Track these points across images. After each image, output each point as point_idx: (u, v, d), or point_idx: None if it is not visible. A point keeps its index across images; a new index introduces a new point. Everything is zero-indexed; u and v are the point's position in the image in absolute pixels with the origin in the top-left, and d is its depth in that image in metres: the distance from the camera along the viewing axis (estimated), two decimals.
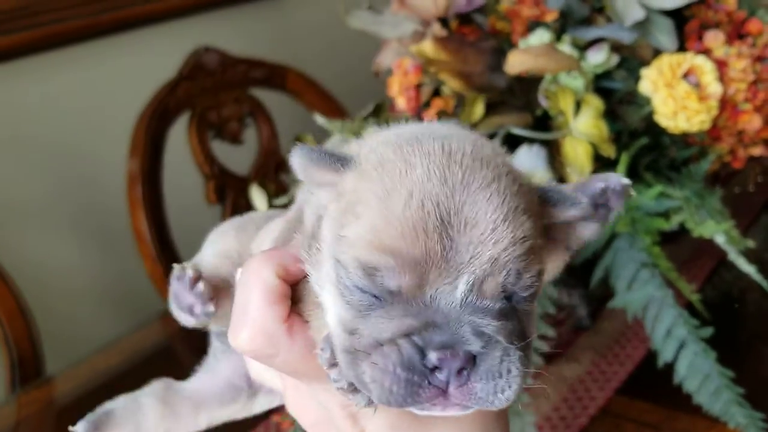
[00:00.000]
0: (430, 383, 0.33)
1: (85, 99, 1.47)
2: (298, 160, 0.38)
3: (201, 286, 0.49)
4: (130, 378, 1.07)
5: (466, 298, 0.34)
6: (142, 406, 0.56)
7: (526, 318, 0.36)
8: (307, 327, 0.39)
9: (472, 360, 0.33)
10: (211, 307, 0.50)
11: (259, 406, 0.58)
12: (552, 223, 0.39)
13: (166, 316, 1.32)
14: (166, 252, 1.26)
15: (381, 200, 0.35)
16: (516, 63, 0.77)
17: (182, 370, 1.08)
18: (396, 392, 0.33)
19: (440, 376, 0.33)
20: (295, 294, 0.40)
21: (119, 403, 0.56)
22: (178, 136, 1.35)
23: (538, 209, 0.38)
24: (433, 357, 0.33)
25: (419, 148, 0.36)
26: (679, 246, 0.94)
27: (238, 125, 1.41)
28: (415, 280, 0.34)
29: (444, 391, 0.33)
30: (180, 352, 1.16)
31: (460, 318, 0.33)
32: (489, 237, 0.34)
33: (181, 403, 0.57)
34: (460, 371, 0.33)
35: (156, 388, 0.57)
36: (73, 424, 0.99)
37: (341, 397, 0.39)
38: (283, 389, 0.46)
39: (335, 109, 1.43)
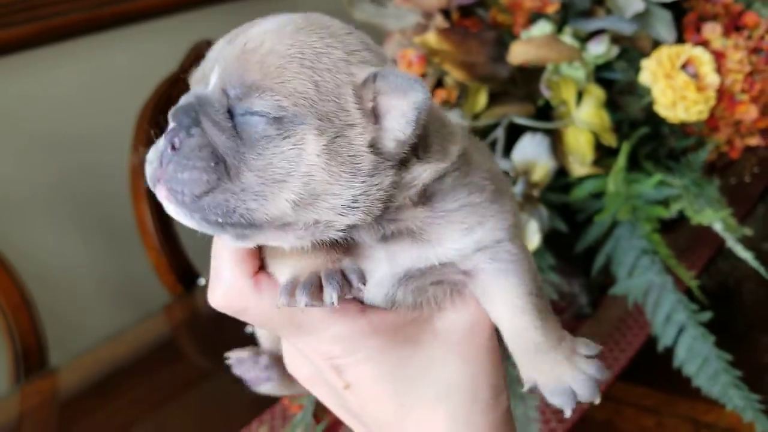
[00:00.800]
0: (158, 158, 0.36)
1: (88, 92, 1.47)
2: None
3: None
4: (134, 369, 1.09)
5: (212, 92, 0.36)
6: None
7: (253, 142, 0.35)
8: (274, 282, 0.40)
9: (181, 142, 0.35)
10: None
11: None
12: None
13: (170, 307, 1.33)
14: (170, 244, 1.27)
15: None
16: (518, 53, 0.78)
17: (186, 361, 1.09)
18: (147, 167, 0.37)
19: (166, 153, 0.36)
20: (263, 253, 0.42)
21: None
22: None
23: (349, 79, 0.36)
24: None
25: None
26: (677, 236, 0.96)
27: None
28: (199, 74, 0.38)
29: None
30: (184, 343, 1.17)
31: (201, 106, 0.36)
32: (247, 38, 0.36)
33: None
34: (173, 149, 0.35)
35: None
36: (76, 415, 1.00)
37: (323, 349, 0.41)
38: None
39: None
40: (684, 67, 0.80)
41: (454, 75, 0.80)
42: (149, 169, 0.36)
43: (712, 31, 0.83)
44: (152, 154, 0.36)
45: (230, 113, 0.35)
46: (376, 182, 0.36)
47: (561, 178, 0.81)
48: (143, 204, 1.25)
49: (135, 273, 1.45)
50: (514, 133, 0.79)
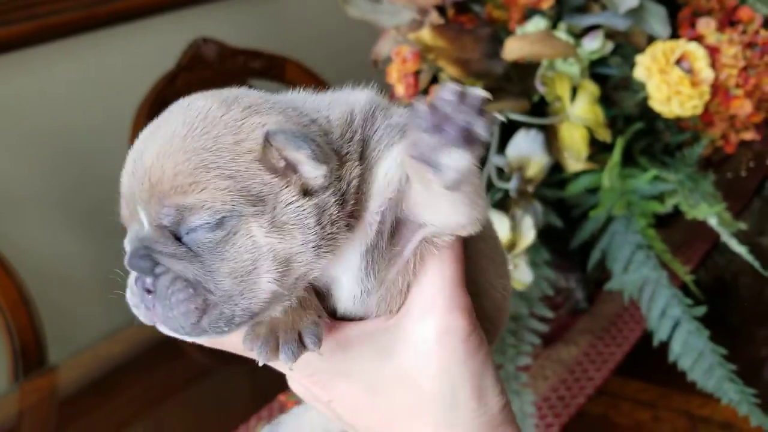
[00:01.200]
0: (142, 302, 0.38)
1: (85, 91, 1.47)
2: None
3: None
4: (133, 366, 1.09)
5: (150, 229, 0.38)
6: None
7: (210, 252, 0.37)
8: None
9: (153, 285, 0.38)
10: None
11: None
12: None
13: None
14: None
15: None
16: (513, 49, 0.78)
17: (185, 358, 1.09)
18: (136, 312, 0.39)
19: (146, 297, 0.38)
20: None
21: None
22: None
23: (251, 156, 0.37)
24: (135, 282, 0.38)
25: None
26: (672, 231, 0.96)
27: None
28: (126, 213, 0.40)
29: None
30: (182, 341, 1.17)
31: (148, 247, 0.38)
32: (148, 172, 0.38)
33: None
34: (149, 293, 0.38)
35: None
36: (75, 413, 1.00)
37: (305, 370, 0.42)
38: None
39: None
40: (678, 62, 0.80)
41: (449, 71, 0.80)
42: (140, 314, 0.39)
43: (706, 26, 0.83)
44: (132, 298, 0.39)
45: (177, 239, 0.38)
46: (329, 214, 0.38)
47: (556, 174, 0.81)
48: None
49: None
50: (509, 129, 0.80)
